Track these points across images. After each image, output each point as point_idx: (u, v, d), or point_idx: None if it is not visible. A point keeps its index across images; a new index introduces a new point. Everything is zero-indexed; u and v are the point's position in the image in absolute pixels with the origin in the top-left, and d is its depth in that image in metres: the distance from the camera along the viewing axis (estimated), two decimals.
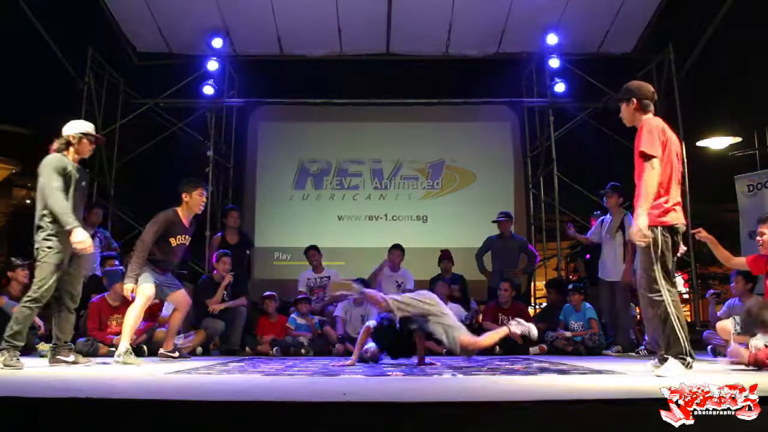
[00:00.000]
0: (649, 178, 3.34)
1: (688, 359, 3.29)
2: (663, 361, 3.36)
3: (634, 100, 3.55)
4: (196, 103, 8.85)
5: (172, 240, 4.85)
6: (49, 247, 4.04)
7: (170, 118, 8.84)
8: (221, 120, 9.20)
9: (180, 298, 5.02)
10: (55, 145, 4.32)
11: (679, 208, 3.47)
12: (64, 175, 4.15)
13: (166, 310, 5.80)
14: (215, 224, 8.53)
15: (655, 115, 3.61)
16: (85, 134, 4.36)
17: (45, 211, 4.09)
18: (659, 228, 3.37)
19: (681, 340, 3.30)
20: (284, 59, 9.06)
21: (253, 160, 9.39)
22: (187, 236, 4.99)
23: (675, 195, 3.46)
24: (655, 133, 3.40)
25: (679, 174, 3.50)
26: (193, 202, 4.98)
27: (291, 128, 9.47)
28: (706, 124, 9.87)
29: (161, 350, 5.08)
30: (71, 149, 4.31)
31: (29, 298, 4.02)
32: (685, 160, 7.85)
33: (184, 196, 4.96)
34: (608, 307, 6.34)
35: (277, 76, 9.19)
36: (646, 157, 3.36)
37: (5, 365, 3.81)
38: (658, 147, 3.38)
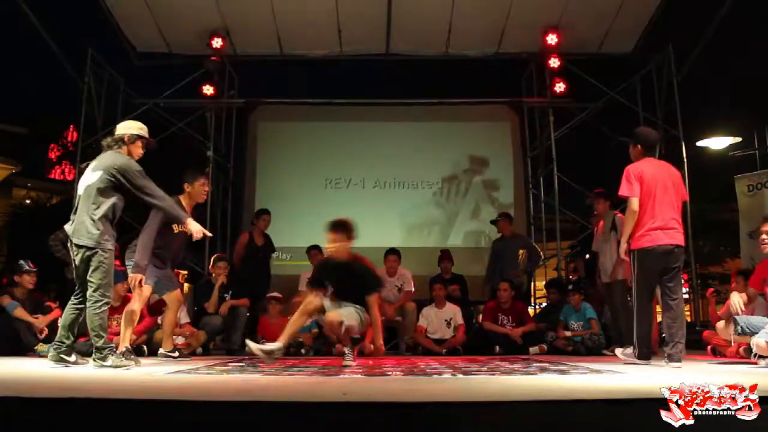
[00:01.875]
0: (626, 216, 4.11)
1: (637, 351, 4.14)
2: (670, 356, 3.95)
3: (639, 145, 4.21)
4: (196, 103, 8.85)
5: (174, 226, 4.75)
6: (110, 249, 3.90)
7: (170, 118, 8.84)
8: (221, 120, 9.20)
9: (173, 298, 4.97)
10: (108, 142, 4.09)
11: (660, 231, 4.03)
12: None
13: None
14: (214, 224, 8.52)
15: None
16: (141, 137, 4.14)
17: (103, 212, 3.85)
18: (635, 252, 4.09)
19: (634, 337, 4.14)
20: (284, 59, 9.07)
21: (253, 160, 9.37)
22: None
23: (660, 218, 4.03)
24: (631, 175, 4.09)
25: (671, 198, 4.08)
26: (195, 192, 4.97)
27: (291, 128, 9.45)
28: (706, 124, 9.88)
29: (161, 350, 5.06)
30: (125, 149, 4.07)
31: (102, 302, 3.82)
32: (686, 160, 7.89)
33: (186, 186, 4.95)
34: (608, 307, 6.33)
35: (277, 76, 9.24)
36: (623, 198, 4.13)
37: (118, 366, 3.78)
38: (634, 187, 4.07)
